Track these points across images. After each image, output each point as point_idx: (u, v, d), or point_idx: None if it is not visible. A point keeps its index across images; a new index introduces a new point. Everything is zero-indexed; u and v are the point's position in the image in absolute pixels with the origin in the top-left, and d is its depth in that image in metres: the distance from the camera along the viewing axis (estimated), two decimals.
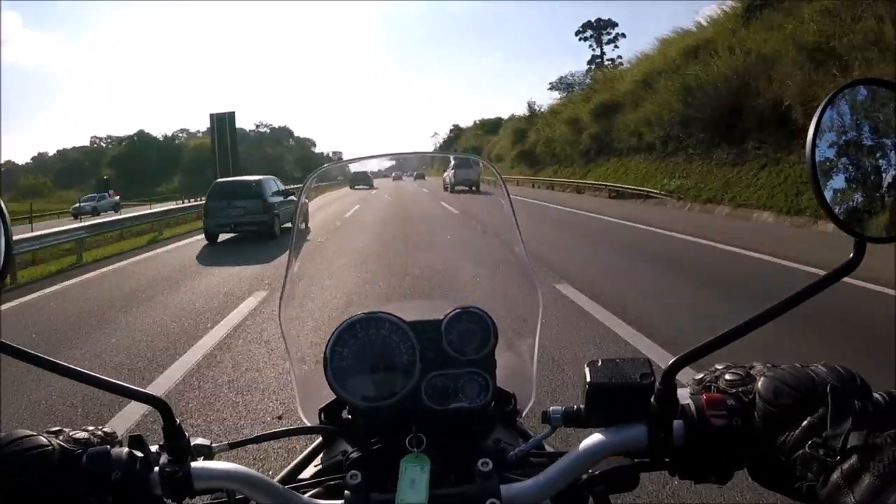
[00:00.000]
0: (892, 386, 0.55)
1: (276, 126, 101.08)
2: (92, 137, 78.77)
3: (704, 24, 20.04)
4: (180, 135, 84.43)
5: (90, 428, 0.60)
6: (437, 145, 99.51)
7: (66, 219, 30.53)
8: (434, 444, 0.64)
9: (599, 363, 0.60)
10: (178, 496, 0.57)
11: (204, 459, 0.61)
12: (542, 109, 42.84)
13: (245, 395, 3.45)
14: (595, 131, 25.73)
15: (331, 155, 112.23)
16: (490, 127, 73.94)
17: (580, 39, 59.60)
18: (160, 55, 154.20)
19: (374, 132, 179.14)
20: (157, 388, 3.49)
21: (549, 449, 0.71)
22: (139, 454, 0.57)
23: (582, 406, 0.59)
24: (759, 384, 0.56)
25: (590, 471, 0.61)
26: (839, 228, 0.53)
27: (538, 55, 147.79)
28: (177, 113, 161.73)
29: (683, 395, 0.58)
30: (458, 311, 0.73)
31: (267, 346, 4.30)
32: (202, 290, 6.90)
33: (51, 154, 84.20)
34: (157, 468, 0.57)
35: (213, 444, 0.64)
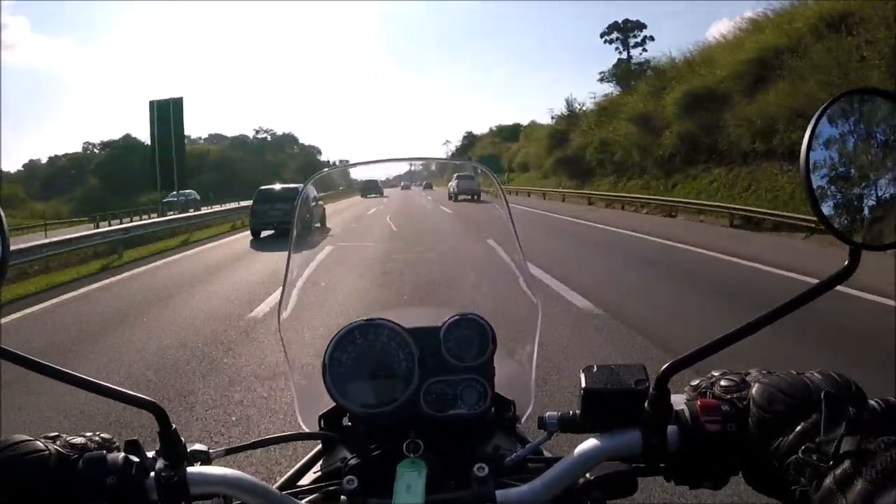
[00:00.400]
0: (890, 393, 0.58)
1: (280, 133, 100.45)
2: (84, 143, 76.20)
3: None
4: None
5: (87, 433, 0.63)
6: (449, 153, 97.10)
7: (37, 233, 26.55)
8: (433, 450, 0.67)
9: (595, 369, 0.63)
10: (173, 501, 0.59)
11: (201, 465, 0.63)
12: (585, 107, 37.46)
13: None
14: (685, 130, 18.97)
15: (337, 163, 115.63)
16: (508, 133, 71.97)
17: (605, 42, 56.33)
18: (163, 60, 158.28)
19: (383, 141, 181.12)
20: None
21: (547, 454, 0.74)
22: (135, 459, 0.59)
23: (578, 411, 0.62)
24: (754, 390, 0.59)
25: (587, 476, 0.63)
26: (834, 237, 0.56)
27: (553, 63, 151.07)
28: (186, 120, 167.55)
29: (678, 400, 0.61)
30: (456, 317, 0.77)
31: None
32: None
33: (43, 161, 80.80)
34: (153, 473, 0.59)
35: (211, 450, 0.66)
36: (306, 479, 0.78)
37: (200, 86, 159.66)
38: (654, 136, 21.62)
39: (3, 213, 0.58)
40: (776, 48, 16.21)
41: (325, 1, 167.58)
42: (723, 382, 0.62)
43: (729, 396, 0.60)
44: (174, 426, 0.61)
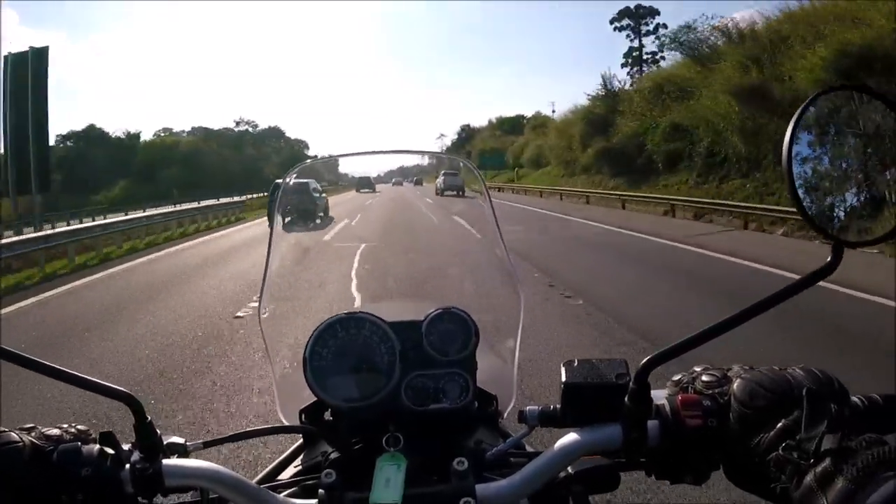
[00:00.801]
0: (871, 390, 0.60)
1: (263, 126, 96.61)
2: (57, 136, 68.73)
3: None
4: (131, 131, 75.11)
5: (63, 425, 0.64)
6: (444, 148, 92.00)
7: None
8: (413, 444, 0.69)
9: (576, 363, 0.66)
10: (148, 494, 0.62)
11: (178, 457, 0.65)
12: (628, 85, 32.62)
13: None
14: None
15: (325, 158, 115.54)
16: (510, 126, 69.16)
17: (615, 29, 54.24)
18: (151, 52, 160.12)
19: (375, 136, 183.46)
20: None
21: (529, 449, 0.77)
22: (110, 451, 0.61)
23: (558, 406, 0.65)
24: (735, 386, 0.61)
25: (568, 470, 0.66)
26: (817, 233, 0.59)
27: (551, 59, 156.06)
28: (167, 113, 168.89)
29: (660, 395, 0.64)
30: (439, 311, 0.80)
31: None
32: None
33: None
34: (128, 465, 0.61)
35: (188, 443, 0.68)
36: (287, 474, 0.80)
37: (187, 79, 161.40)
38: (770, 116, 15.29)
39: None
40: None
41: None
42: (704, 377, 0.65)
43: (710, 391, 0.63)
44: (149, 418, 0.63)
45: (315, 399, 0.80)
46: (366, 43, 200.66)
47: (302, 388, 0.79)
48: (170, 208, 27.30)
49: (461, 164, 1.25)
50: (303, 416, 0.84)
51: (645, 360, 0.61)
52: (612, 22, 55.50)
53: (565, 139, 35.05)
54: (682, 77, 23.31)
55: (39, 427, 0.63)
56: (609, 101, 30.41)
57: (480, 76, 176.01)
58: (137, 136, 75.07)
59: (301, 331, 0.83)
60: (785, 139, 0.58)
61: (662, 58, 34.08)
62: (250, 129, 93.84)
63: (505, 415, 0.89)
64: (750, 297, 0.59)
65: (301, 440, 0.88)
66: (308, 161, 1.15)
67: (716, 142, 18.30)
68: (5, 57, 19.14)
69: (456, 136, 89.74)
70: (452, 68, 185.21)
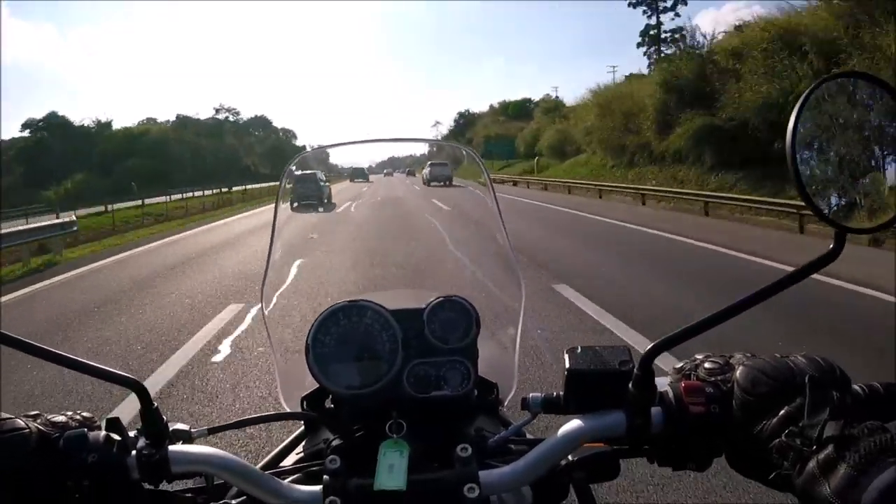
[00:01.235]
0: (873, 378, 0.63)
1: (250, 115, 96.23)
2: (28, 120, 66.76)
3: None
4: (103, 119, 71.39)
5: (69, 412, 0.68)
6: (439, 136, 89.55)
7: None
8: (415, 431, 0.73)
9: (579, 350, 0.69)
10: (155, 480, 0.65)
11: (183, 444, 0.69)
12: (717, 39, 22.25)
13: None
14: None
15: (315, 148, 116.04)
16: (516, 110, 67.00)
17: (629, 6, 51.84)
18: (139, 40, 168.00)
19: (367, 124, 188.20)
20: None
21: (530, 436, 0.81)
22: (116, 437, 0.65)
23: (561, 393, 0.69)
24: (738, 373, 0.65)
25: (569, 457, 0.70)
26: (820, 220, 0.61)
27: (547, 47, 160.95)
28: (153, 103, 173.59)
29: (662, 382, 0.68)
30: (440, 299, 0.84)
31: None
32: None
33: None
34: (134, 452, 0.65)
35: (193, 429, 0.72)
36: (289, 460, 0.85)
37: (173, 68, 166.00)
38: None
39: None
40: None
41: None
42: (707, 365, 0.69)
43: (713, 379, 0.67)
44: (155, 404, 0.67)
45: (317, 386, 0.84)
46: (357, 30, 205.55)
47: (303, 376, 0.84)
48: (128, 203, 27.24)
49: (464, 152, 1.29)
50: (304, 402, 0.88)
51: (649, 346, 0.64)
52: None
53: (615, 118, 27.33)
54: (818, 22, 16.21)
55: (45, 414, 0.67)
56: (698, 62, 21.82)
57: (476, 63, 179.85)
58: (109, 124, 71.48)
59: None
60: (789, 125, 0.61)
61: (683, 36, 28.88)
62: (231, 117, 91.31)
63: (506, 402, 0.93)
64: None
65: (303, 427, 0.92)
66: (305, 152, 1.35)
67: None
68: None
69: (454, 124, 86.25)
70: (447, 56, 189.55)
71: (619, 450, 0.71)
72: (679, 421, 0.65)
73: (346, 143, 1.14)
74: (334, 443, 0.78)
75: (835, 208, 0.64)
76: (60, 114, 68.10)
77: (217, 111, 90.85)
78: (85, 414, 0.69)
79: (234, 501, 0.73)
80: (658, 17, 52.92)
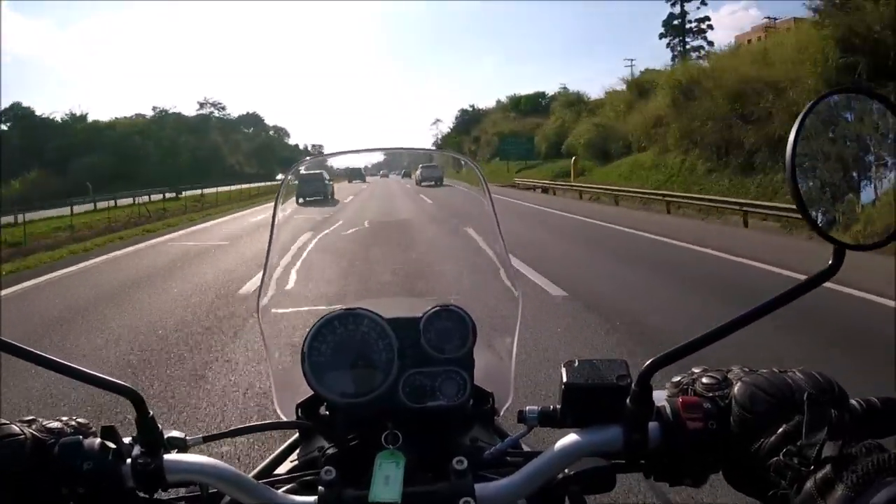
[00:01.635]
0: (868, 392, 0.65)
1: (238, 113, 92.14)
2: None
3: None
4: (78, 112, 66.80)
5: (64, 418, 0.71)
6: (439, 137, 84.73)
7: None
8: (410, 441, 0.76)
9: (576, 363, 0.72)
10: (149, 489, 0.69)
11: (178, 452, 0.73)
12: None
13: None
14: None
15: (310, 148, 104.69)
16: (529, 105, 61.27)
17: None
18: (132, 40, 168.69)
19: (362, 123, 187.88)
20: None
21: (525, 448, 0.83)
22: (112, 445, 0.68)
23: (558, 406, 0.72)
24: (736, 389, 0.68)
25: (566, 471, 0.73)
26: (819, 236, 0.65)
27: (539, 50, 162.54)
28: (148, 101, 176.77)
29: (660, 397, 0.70)
30: (437, 308, 0.88)
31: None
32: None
33: None
34: (129, 460, 0.68)
35: (188, 437, 0.75)
36: (283, 468, 0.88)
37: (166, 66, 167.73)
38: None
39: None
40: None
41: None
42: (704, 380, 0.72)
43: (711, 394, 0.70)
44: (151, 413, 0.70)
45: (311, 393, 0.88)
46: (353, 28, 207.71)
47: (298, 383, 0.87)
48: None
49: (462, 161, 1.35)
50: (299, 410, 0.92)
51: (648, 361, 0.67)
52: None
53: (711, 104, 21.33)
54: None
55: (40, 420, 0.70)
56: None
57: (475, 61, 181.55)
58: (83, 117, 66.88)
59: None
60: (789, 140, 0.63)
61: (710, 27, 29.59)
62: (217, 112, 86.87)
63: (501, 413, 0.97)
64: None
65: (296, 434, 0.96)
66: (308, 158, 1.63)
67: None
68: None
69: (455, 121, 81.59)
70: (445, 54, 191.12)
71: (615, 464, 0.73)
72: (676, 436, 0.68)
73: (348, 152, 1.21)
74: (329, 451, 0.82)
75: (833, 224, 0.67)
76: (25, 104, 63.11)
77: (202, 105, 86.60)
78: (80, 420, 0.72)
79: None
80: (682, 6, 52.50)
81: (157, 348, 5.62)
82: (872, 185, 0.69)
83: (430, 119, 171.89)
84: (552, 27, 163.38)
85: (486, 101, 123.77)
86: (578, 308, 6.45)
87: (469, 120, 75.43)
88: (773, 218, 13.84)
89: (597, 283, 7.92)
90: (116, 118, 72.68)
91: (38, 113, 62.87)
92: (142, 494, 0.70)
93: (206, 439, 0.81)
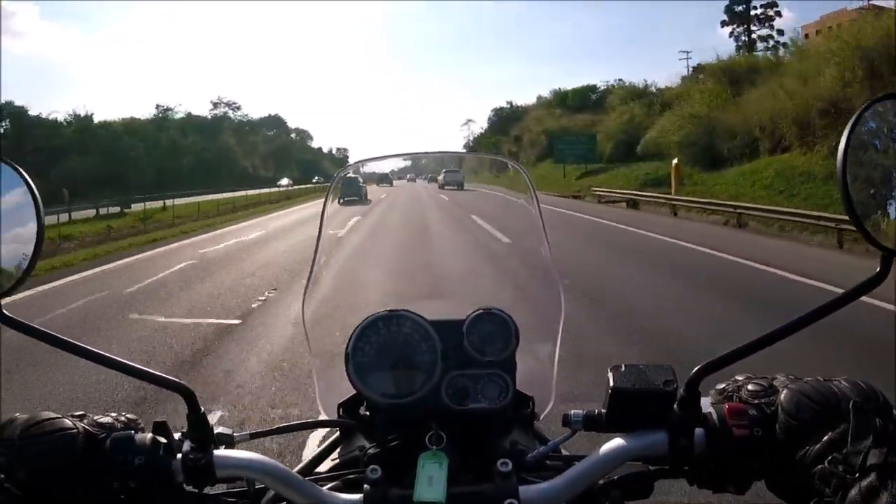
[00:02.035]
0: None
1: (257, 115, 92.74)
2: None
3: None
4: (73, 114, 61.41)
5: (113, 413, 0.76)
6: (471, 138, 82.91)
7: None
8: (452, 443, 0.80)
9: (623, 368, 0.75)
10: (199, 483, 0.73)
11: (226, 448, 0.77)
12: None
13: None
14: None
15: (334, 151, 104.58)
16: (577, 100, 56.79)
17: None
18: (161, 42, 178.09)
19: (389, 125, 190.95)
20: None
21: (565, 452, 0.88)
22: (163, 440, 0.72)
23: (603, 410, 0.75)
24: (782, 396, 0.71)
25: (606, 476, 0.76)
26: (867, 242, 0.67)
27: (562, 50, 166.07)
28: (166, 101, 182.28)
29: (705, 403, 0.73)
30: (480, 311, 0.92)
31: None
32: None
33: None
34: (179, 455, 0.72)
35: (235, 434, 0.79)
36: (324, 466, 0.93)
37: (188, 70, 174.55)
38: None
39: (38, 197, 0.72)
40: None
41: None
42: (750, 387, 0.75)
43: (756, 401, 0.73)
44: (202, 409, 0.74)
45: (353, 393, 0.92)
46: (380, 30, 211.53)
47: (341, 382, 0.92)
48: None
49: (509, 165, 1.40)
50: (341, 409, 0.96)
51: (696, 368, 0.70)
52: None
53: None
54: None
55: (90, 414, 0.74)
56: None
57: (501, 60, 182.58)
58: (89, 118, 63.52)
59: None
60: (840, 147, 0.66)
61: (778, 13, 26.55)
62: (231, 113, 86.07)
63: (542, 417, 1.01)
64: None
65: (337, 433, 1.01)
66: (350, 165, 2.22)
67: None
68: None
69: (489, 121, 78.16)
70: (473, 50, 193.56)
71: (658, 470, 0.77)
72: (722, 443, 0.71)
73: (390, 157, 1.29)
74: (370, 451, 0.86)
75: (882, 230, 0.70)
76: (18, 103, 58.65)
77: (215, 105, 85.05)
78: (129, 416, 0.77)
79: None
80: None
81: None
82: None
83: (461, 120, 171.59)
84: (591, 20, 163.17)
85: (521, 99, 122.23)
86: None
87: (506, 119, 70.09)
88: None
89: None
90: (114, 119, 70.39)
91: (31, 113, 59.23)
92: (190, 489, 0.74)
93: (254, 436, 0.85)
